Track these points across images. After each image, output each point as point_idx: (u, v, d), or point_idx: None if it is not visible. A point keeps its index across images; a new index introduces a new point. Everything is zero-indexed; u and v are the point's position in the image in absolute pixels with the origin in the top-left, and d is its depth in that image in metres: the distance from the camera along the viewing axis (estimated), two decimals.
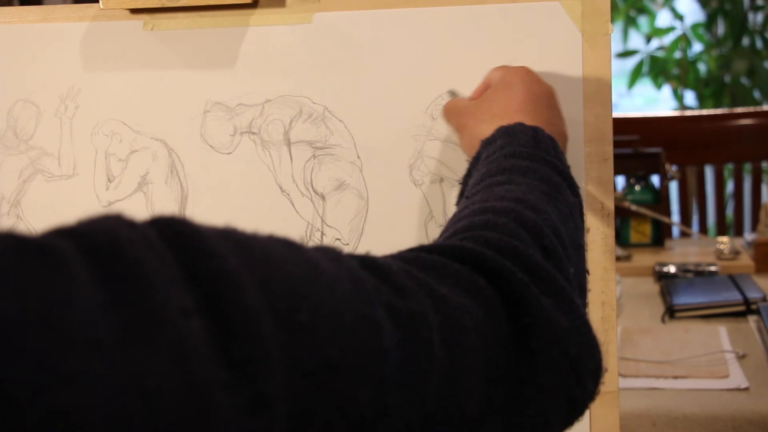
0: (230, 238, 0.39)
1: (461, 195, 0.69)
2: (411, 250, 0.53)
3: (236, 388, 0.34)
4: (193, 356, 0.33)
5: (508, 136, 0.68)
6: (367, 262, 0.46)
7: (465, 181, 0.70)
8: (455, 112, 0.79)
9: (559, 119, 0.74)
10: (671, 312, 1.41)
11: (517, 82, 0.74)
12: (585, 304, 0.61)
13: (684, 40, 3.30)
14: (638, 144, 1.91)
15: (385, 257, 0.50)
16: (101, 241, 0.34)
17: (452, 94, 0.84)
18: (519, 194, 0.61)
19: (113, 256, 0.33)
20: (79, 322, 0.30)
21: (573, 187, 0.66)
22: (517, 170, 0.64)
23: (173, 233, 0.37)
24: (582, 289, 0.60)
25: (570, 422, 0.54)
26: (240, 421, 0.34)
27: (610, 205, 0.82)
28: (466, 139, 0.76)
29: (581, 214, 0.66)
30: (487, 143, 0.70)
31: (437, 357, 0.44)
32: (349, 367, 0.39)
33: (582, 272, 0.62)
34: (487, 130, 0.71)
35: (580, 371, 0.52)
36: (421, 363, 0.43)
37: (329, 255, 0.44)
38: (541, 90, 0.74)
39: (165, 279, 0.34)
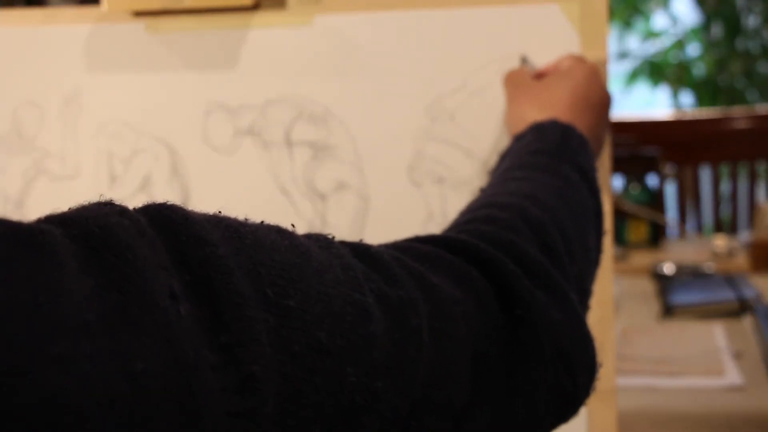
0: (221, 224, 0.39)
1: None
2: (407, 240, 0.54)
3: (224, 370, 0.34)
4: (182, 339, 0.33)
5: (538, 132, 0.69)
6: (359, 250, 0.46)
7: (492, 174, 0.70)
8: (515, 82, 0.79)
9: (601, 128, 0.74)
10: (668, 311, 1.42)
11: (579, 79, 0.74)
12: (586, 306, 0.60)
13: (680, 44, 3.31)
14: (635, 145, 1.92)
15: (379, 246, 0.50)
16: (90, 227, 0.34)
17: (524, 61, 0.83)
18: (529, 191, 0.61)
19: (102, 242, 0.33)
20: (67, 306, 0.30)
21: (593, 190, 0.66)
22: (536, 167, 0.65)
23: (163, 220, 0.37)
24: (584, 291, 0.60)
25: (564, 417, 0.54)
26: (228, 402, 0.34)
27: (608, 205, 0.83)
28: (511, 113, 0.77)
29: (598, 217, 0.66)
30: (518, 138, 0.70)
31: (426, 345, 0.45)
32: (337, 351, 0.40)
33: (587, 274, 0.62)
34: (532, 115, 0.72)
35: (571, 365, 0.52)
36: (409, 350, 0.44)
37: (320, 242, 0.44)
38: (598, 95, 0.74)
39: (154, 264, 0.34)
